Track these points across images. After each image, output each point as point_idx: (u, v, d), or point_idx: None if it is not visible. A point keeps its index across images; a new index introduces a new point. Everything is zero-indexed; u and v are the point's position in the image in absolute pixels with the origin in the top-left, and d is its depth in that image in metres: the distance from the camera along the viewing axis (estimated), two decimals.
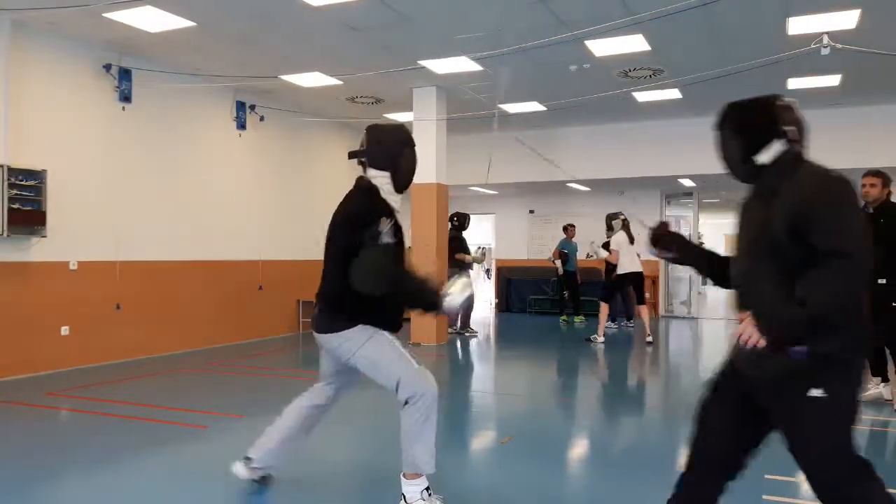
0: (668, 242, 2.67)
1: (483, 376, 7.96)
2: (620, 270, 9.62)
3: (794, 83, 8.86)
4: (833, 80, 8.77)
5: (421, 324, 9.33)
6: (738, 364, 2.33)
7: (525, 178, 12.11)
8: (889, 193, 5.71)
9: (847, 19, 6.57)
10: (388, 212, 3.04)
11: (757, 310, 2.16)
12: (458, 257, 10.19)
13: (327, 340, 3.18)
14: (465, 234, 10.76)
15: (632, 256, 9.69)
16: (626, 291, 10.79)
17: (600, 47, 7.43)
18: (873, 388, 5.76)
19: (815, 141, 8.81)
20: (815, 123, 9.16)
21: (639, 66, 8.23)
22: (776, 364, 2.15)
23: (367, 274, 2.89)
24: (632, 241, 9.68)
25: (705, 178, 12.01)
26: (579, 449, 4.88)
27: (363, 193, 3.12)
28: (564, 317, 12.61)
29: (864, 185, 5.78)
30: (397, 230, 3.06)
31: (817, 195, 2.13)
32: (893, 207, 5.68)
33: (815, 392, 2.12)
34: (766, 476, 3.76)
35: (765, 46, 7.26)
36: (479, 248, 12.40)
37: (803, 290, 2.06)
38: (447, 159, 9.73)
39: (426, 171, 9.24)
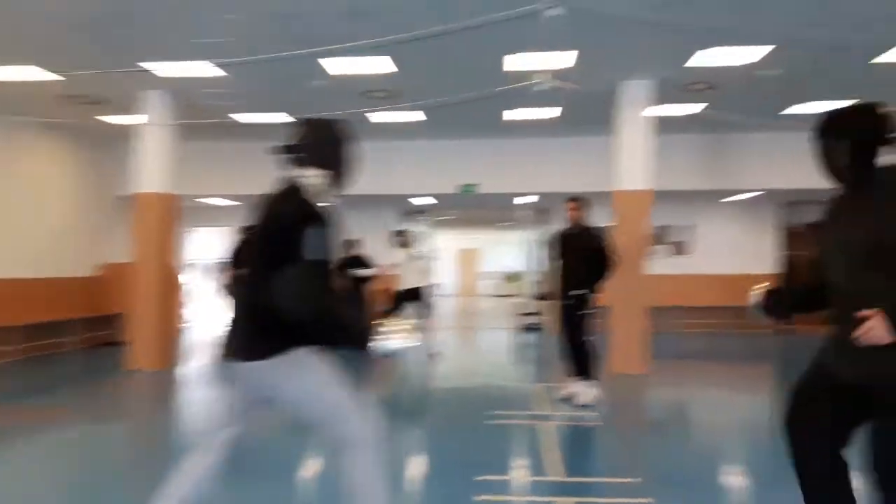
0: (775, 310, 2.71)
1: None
2: (404, 287, 9.72)
3: (510, 114, 9.75)
4: (555, 111, 9.68)
5: None
6: (838, 367, 2.40)
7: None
8: (587, 215, 6.56)
9: (566, 58, 7.32)
10: (325, 218, 2.61)
11: (883, 307, 2.18)
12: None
13: (253, 369, 2.61)
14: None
15: (416, 273, 9.82)
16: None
17: (336, 66, 7.49)
18: (575, 387, 6.50)
19: (537, 167, 9.50)
20: (540, 150, 9.97)
21: (379, 88, 8.46)
22: (891, 363, 2.22)
23: (294, 297, 2.46)
24: (416, 257, 9.84)
25: (437, 198, 12.75)
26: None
27: (299, 195, 2.66)
28: None
29: (567, 209, 6.58)
30: (329, 241, 2.60)
31: None
32: (592, 228, 6.54)
33: None
34: (476, 478, 4.04)
35: (485, 78, 7.88)
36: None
37: None
38: (187, 169, 9.11)
39: (150, 179, 8.52)
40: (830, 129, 2.41)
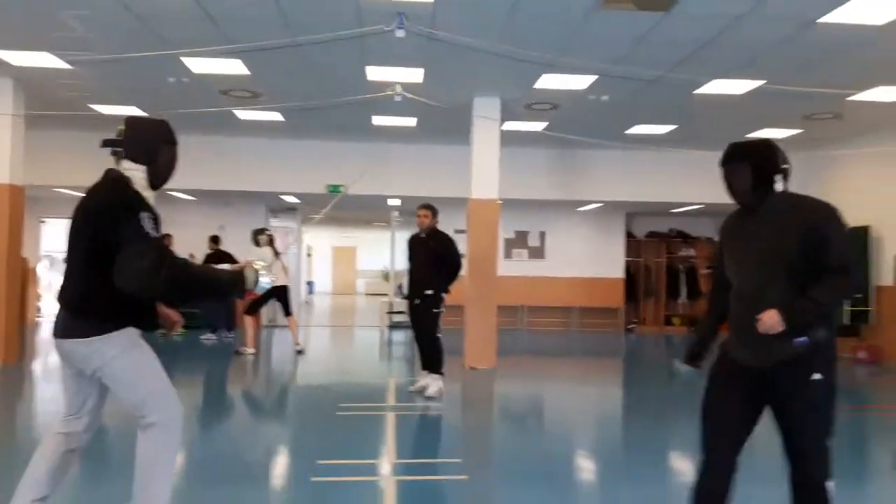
0: (700, 359, 3.08)
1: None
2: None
3: (377, 119, 10.20)
4: (411, 121, 10.29)
5: None
6: (740, 356, 2.80)
7: None
8: (437, 222, 7.04)
9: (415, 74, 7.89)
10: (146, 205, 2.75)
11: (778, 305, 2.60)
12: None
13: (73, 347, 2.73)
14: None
15: (277, 271, 9.91)
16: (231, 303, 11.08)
17: (198, 65, 7.63)
18: (424, 380, 6.99)
19: (402, 172, 10.05)
20: (407, 155, 10.49)
21: (239, 88, 8.62)
22: (784, 350, 2.66)
23: (139, 272, 2.57)
24: (277, 255, 9.95)
25: (306, 196, 12.93)
26: None
27: (116, 184, 2.79)
28: (162, 331, 12.17)
29: (418, 216, 7.03)
30: (158, 224, 2.76)
31: (829, 223, 2.67)
32: (441, 233, 7.02)
33: (817, 376, 2.67)
34: (318, 461, 4.42)
35: (350, 85, 8.26)
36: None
37: (819, 291, 2.60)
38: (40, 159, 8.80)
39: None
40: (734, 157, 2.79)
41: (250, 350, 9.79)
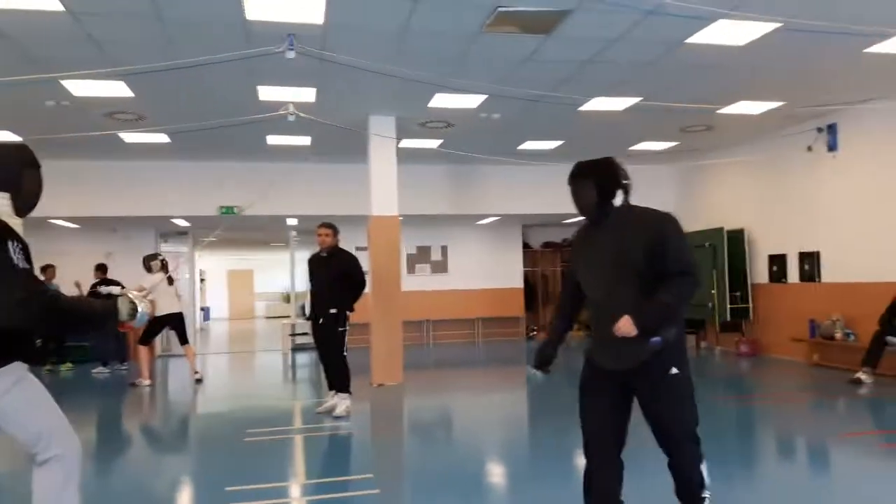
0: (549, 363, 3.23)
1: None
2: (158, 312, 9.34)
3: (272, 139, 10.08)
4: (305, 140, 10.25)
5: None
6: (603, 362, 3.01)
7: None
8: (338, 240, 7.05)
9: (308, 94, 7.89)
10: (13, 234, 2.60)
11: (631, 311, 2.80)
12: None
13: None
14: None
15: (170, 298, 9.53)
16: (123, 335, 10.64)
17: (80, 88, 7.33)
18: (332, 400, 6.96)
19: (300, 192, 9.98)
20: (291, 175, 10.49)
21: (122, 110, 8.33)
22: (640, 351, 2.86)
23: (10, 305, 2.46)
24: (171, 282, 9.57)
25: (197, 219, 12.55)
26: None
27: None
28: (48, 367, 11.48)
29: (319, 235, 7.00)
30: (27, 254, 2.59)
31: (668, 230, 2.91)
32: (343, 251, 7.03)
33: (674, 370, 2.91)
34: (226, 488, 4.34)
35: (242, 106, 8.16)
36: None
37: (664, 295, 2.82)
38: None
39: None
40: (581, 174, 3.03)
41: (146, 382, 9.41)
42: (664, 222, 2.94)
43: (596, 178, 2.99)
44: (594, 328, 3.11)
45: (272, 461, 5.31)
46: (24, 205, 2.77)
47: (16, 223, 2.71)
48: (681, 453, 2.99)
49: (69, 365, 11.55)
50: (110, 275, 11.25)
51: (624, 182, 3.02)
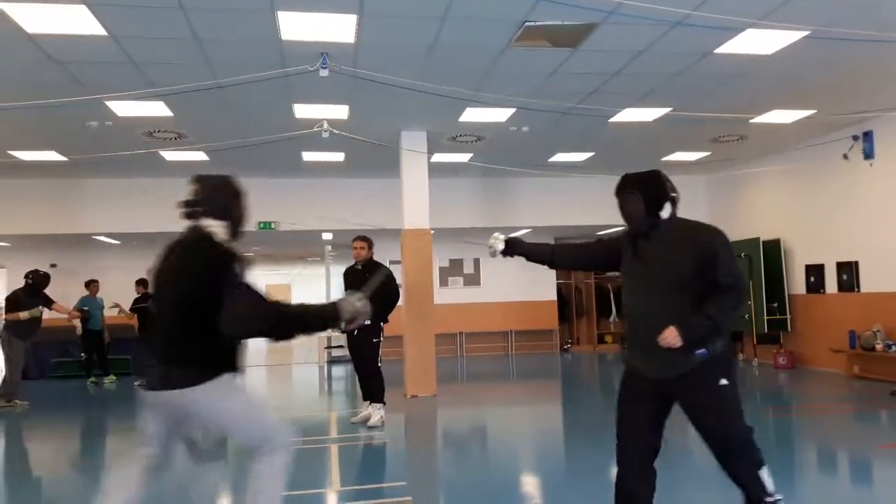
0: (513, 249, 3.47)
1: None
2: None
3: (307, 155, 10.31)
4: (339, 156, 10.45)
5: None
6: (646, 370, 3.04)
7: (42, 230, 11.34)
8: (372, 253, 7.16)
9: (341, 111, 8.08)
10: (237, 256, 2.89)
11: (677, 322, 2.85)
12: (9, 317, 8.96)
13: (181, 397, 2.80)
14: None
15: None
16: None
17: (122, 108, 7.62)
18: (367, 411, 7.05)
19: (335, 205, 10.13)
20: (338, 189, 10.61)
21: (162, 129, 8.61)
22: (687, 362, 2.91)
23: (244, 317, 2.73)
24: None
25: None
26: None
27: (206, 242, 2.94)
28: (92, 378, 11.83)
29: (354, 248, 7.13)
30: (247, 273, 2.89)
31: (718, 245, 2.95)
32: (377, 264, 7.14)
33: (723, 381, 2.95)
34: None
35: (277, 124, 8.38)
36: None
37: (711, 308, 2.87)
38: None
39: None
40: (627, 187, 3.08)
41: None
42: (714, 236, 3.00)
43: (643, 191, 3.04)
44: (636, 338, 3.15)
45: (307, 469, 5.39)
46: (234, 231, 3.05)
47: (233, 243, 3.02)
48: (738, 462, 3.02)
49: (113, 378, 11.88)
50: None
51: (672, 195, 3.06)
